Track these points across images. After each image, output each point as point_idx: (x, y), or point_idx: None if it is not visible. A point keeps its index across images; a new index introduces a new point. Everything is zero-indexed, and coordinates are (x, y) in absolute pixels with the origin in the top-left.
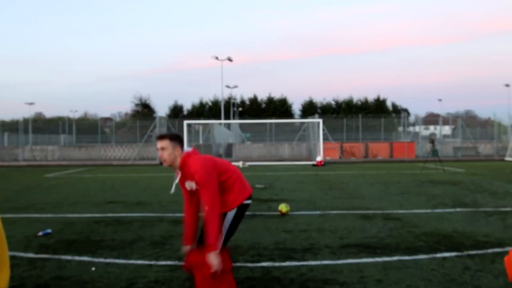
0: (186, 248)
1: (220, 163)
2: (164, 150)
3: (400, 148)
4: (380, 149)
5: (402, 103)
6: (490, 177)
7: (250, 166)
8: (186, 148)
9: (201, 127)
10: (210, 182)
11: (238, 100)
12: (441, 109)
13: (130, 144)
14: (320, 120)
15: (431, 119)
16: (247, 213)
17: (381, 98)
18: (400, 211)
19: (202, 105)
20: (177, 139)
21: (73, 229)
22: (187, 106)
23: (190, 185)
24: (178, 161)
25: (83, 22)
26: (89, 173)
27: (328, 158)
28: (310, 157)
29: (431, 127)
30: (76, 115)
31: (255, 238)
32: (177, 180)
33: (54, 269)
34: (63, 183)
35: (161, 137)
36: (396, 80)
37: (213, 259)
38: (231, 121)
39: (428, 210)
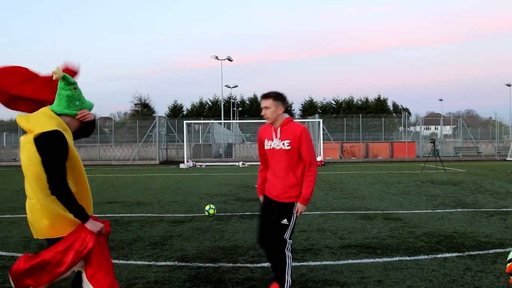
0: (261, 198)
1: None
2: (268, 108)
3: (400, 148)
4: (380, 149)
5: (402, 102)
6: (491, 177)
7: (250, 166)
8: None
9: (201, 127)
10: (312, 142)
11: (238, 100)
12: (442, 109)
13: (130, 144)
14: (320, 120)
15: (432, 119)
16: (247, 213)
17: (382, 97)
18: (401, 211)
19: (202, 105)
20: (279, 98)
21: None
22: (187, 106)
23: (279, 144)
24: (281, 119)
25: (83, 23)
26: (88, 173)
27: (328, 158)
28: None
29: (432, 127)
30: None
31: (255, 239)
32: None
33: None
34: None
35: (265, 96)
36: (397, 79)
37: (303, 209)
38: (231, 121)
39: (429, 210)
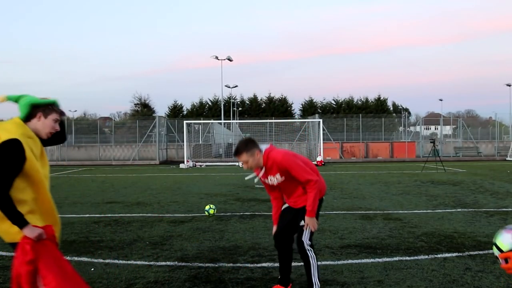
0: (275, 227)
1: (300, 157)
2: (247, 162)
3: (400, 148)
4: (380, 149)
5: (402, 102)
6: (491, 177)
7: None
8: (262, 146)
9: (201, 127)
10: (296, 163)
11: (238, 100)
12: (442, 109)
13: (130, 144)
14: (320, 120)
15: (432, 119)
16: (247, 213)
17: (382, 97)
18: (401, 211)
19: (202, 105)
20: (250, 146)
21: (72, 230)
22: (187, 106)
23: (273, 179)
24: (261, 161)
25: (83, 22)
26: (88, 173)
27: (328, 158)
28: (310, 157)
29: (432, 127)
30: (75, 115)
31: (255, 239)
32: (256, 178)
33: None
34: (62, 183)
35: (237, 154)
36: (397, 79)
37: (311, 221)
38: (231, 121)
39: (429, 210)
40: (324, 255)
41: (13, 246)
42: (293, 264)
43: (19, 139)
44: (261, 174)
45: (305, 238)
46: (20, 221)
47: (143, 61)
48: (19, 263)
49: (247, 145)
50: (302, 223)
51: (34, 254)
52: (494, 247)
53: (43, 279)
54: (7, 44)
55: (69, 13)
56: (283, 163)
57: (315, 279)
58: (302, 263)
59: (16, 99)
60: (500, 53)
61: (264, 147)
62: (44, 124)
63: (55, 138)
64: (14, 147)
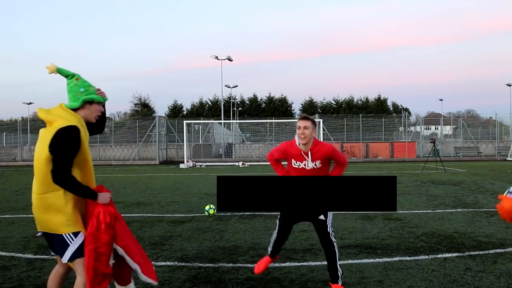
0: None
1: None
2: (307, 129)
3: (400, 148)
4: (380, 149)
5: (403, 102)
6: (491, 177)
7: (250, 166)
8: None
9: (201, 127)
10: (341, 152)
11: (238, 100)
12: (442, 109)
13: (129, 144)
14: (320, 120)
15: (432, 119)
16: (247, 213)
17: (382, 97)
18: (401, 211)
19: (202, 105)
20: (315, 123)
21: None
22: (187, 106)
23: (311, 164)
24: (311, 142)
25: (82, 22)
26: None
27: None
28: None
29: (432, 127)
30: None
31: (255, 239)
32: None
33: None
34: None
35: (306, 118)
36: (397, 79)
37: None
38: (231, 121)
39: (429, 211)
40: (324, 255)
41: (50, 237)
42: (293, 264)
43: (77, 126)
44: (310, 157)
45: (330, 228)
46: (90, 194)
47: (143, 61)
48: (105, 228)
49: (314, 121)
50: (321, 217)
51: (116, 216)
52: None
53: (118, 236)
54: (7, 44)
55: (70, 13)
56: (333, 151)
57: (338, 265)
58: (302, 263)
59: (66, 75)
60: (500, 53)
61: None
62: (91, 109)
63: (96, 128)
64: (74, 133)
